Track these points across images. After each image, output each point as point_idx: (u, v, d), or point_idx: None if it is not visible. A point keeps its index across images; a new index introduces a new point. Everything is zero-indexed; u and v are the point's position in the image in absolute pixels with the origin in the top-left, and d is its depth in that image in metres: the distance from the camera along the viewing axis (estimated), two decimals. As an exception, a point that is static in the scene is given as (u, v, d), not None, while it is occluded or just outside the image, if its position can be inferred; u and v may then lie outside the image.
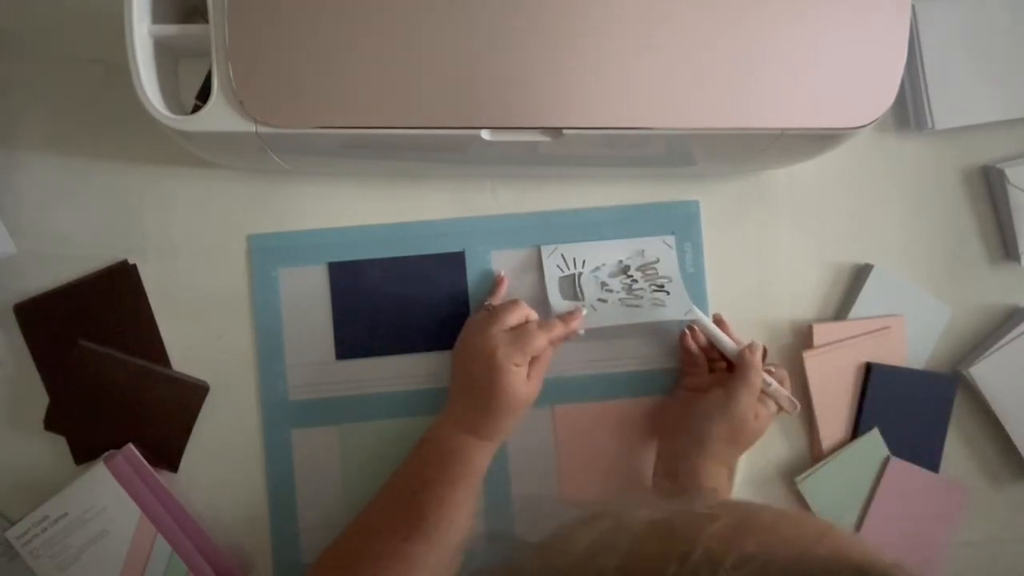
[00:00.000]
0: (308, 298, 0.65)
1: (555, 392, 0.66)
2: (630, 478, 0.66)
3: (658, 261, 0.66)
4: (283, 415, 0.65)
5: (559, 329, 0.59)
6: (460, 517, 0.56)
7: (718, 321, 0.65)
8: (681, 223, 0.68)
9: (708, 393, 0.61)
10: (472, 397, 0.59)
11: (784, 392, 0.62)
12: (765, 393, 0.61)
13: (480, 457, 0.59)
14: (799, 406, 0.63)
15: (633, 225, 0.67)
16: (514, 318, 0.59)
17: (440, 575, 0.55)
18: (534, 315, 0.61)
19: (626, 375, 0.67)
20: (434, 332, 0.65)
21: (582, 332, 0.62)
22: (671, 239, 0.67)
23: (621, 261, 0.66)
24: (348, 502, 0.65)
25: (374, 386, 0.66)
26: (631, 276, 0.66)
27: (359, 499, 0.62)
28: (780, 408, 0.62)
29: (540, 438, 0.66)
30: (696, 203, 0.68)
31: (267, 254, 0.65)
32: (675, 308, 0.63)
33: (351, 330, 0.65)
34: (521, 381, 0.57)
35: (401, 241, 0.66)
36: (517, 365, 0.57)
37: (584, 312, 0.62)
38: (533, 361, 0.59)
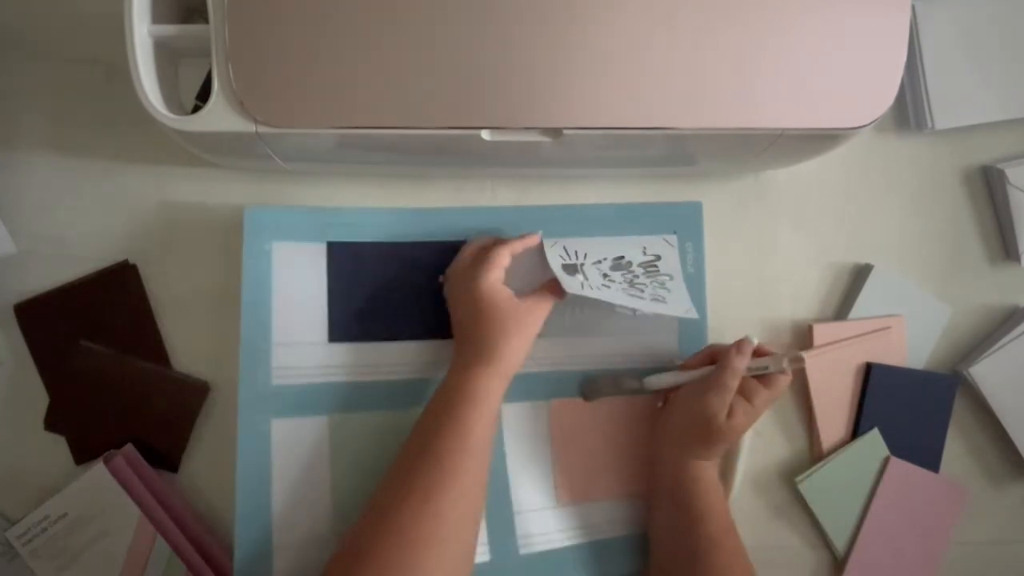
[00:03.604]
0: (302, 275, 0.63)
1: (551, 387, 0.66)
2: (626, 472, 0.66)
3: (659, 259, 0.66)
4: (264, 401, 0.61)
5: (516, 243, 0.61)
6: (479, 454, 0.55)
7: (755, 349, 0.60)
8: (683, 223, 0.68)
9: (678, 391, 0.62)
10: (468, 333, 0.59)
11: (778, 356, 0.57)
12: (758, 378, 0.58)
13: (489, 383, 0.56)
14: (804, 358, 0.56)
15: (635, 223, 0.67)
16: (470, 250, 0.62)
17: (466, 523, 0.54)
18: (488, 240, 0.62)
19: (623, 372, 0.67)
20: (434, 320, 0.64)
21: (589, 293, 0.59)
22: (672, 238, 0.67)
23: (623, 257, 0.66)
24: (336, 501, 0.62)
25: (368, 373, 0.64)
26: (632, 272, 0.65)
27: (349, 498, 0.61)
28: (783, 372, 0.57)
29: (536, 432, 0.66)
30: (698, 204, 0.68)
31: (261, 227, 0.62)
32: (675, 306, 0.63)
33: (347, 312, 0.63)
34: (497, 288, 0.58)
35: (404, 226, 0.65)
36: (488, 278, 0.58)
37: (540, 232, 0.63)
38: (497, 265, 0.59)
